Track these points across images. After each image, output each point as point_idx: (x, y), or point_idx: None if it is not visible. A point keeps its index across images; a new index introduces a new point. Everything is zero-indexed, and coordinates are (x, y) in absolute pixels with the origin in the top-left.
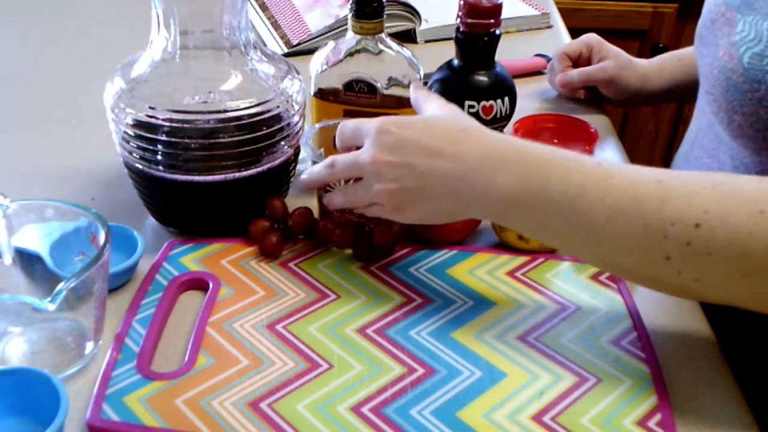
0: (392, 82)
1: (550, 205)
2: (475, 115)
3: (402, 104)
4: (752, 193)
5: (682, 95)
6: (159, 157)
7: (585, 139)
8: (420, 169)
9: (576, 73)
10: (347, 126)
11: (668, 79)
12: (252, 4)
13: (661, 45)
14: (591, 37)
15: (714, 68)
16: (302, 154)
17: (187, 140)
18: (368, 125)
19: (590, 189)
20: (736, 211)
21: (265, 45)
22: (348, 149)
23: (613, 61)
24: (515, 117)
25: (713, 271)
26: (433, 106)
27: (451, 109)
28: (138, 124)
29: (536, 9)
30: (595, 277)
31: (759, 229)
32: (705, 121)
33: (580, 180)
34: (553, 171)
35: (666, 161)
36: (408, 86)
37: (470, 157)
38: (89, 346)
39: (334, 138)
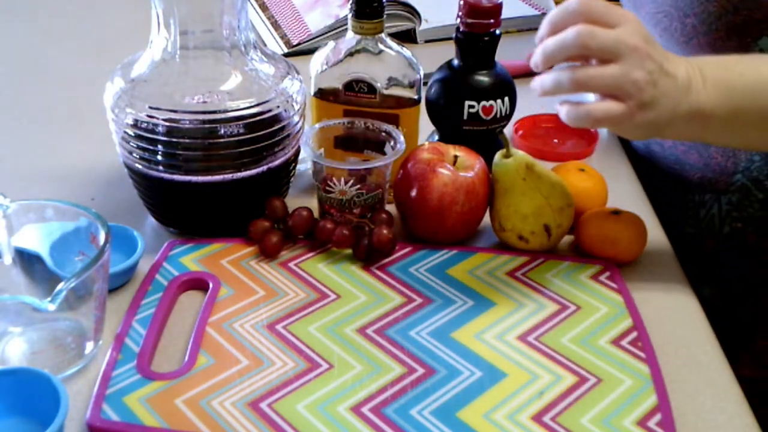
0: (392, 82)
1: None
2: (475, 115)
3: (402, 104)
4: None
5: None
6: (159, 157)
7: (585, 139)
8: (663, 68)
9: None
10: (604, 34)
11: None
12: (252, 4)
13: None
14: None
15: None
16: (302, 154)
17: (187, 140)
18: (620, 10)
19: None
20: None
21: (265, 45)
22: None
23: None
24: (515, 117)
25: None
26: None
27: None
28: (138, 124)
29: (536, 9)
30: (595, 277)
31: None
32: None
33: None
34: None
35: None
36: (408, 86)
37: (680, 71)
38: (89, 346)
39: (335, 138)
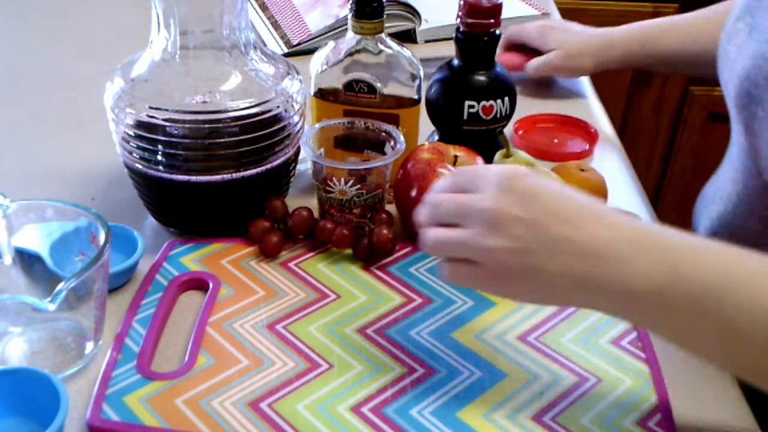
0: (392, 82)
1: (690, 298)
2: (475, 115)
3: (402, 104)
4: None
5: (643, 68)
6: (159, 157)
7: (585, 139)
8: (547, 232)
9: (533, 65)
10: (466, 171)
11: (621, 55)
12: (252, 4)
13: None
14: (544, 26)
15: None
16: (302, 154)
17: (187, 140)
18: (492, 169)
19: (741, 272)
20: None
21: (265, 45)
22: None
23: (559, 52)
24: (515, 117)
25: None
26: None
27: None
28: (138, 124)
29: (536, 9)
30: None
31: None
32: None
33: (727, 263)
34: (696, 255)
35: (666, 161)
36: (408, 86)
37: (604, 234)
38: (89, 346)
39: (335, 138)
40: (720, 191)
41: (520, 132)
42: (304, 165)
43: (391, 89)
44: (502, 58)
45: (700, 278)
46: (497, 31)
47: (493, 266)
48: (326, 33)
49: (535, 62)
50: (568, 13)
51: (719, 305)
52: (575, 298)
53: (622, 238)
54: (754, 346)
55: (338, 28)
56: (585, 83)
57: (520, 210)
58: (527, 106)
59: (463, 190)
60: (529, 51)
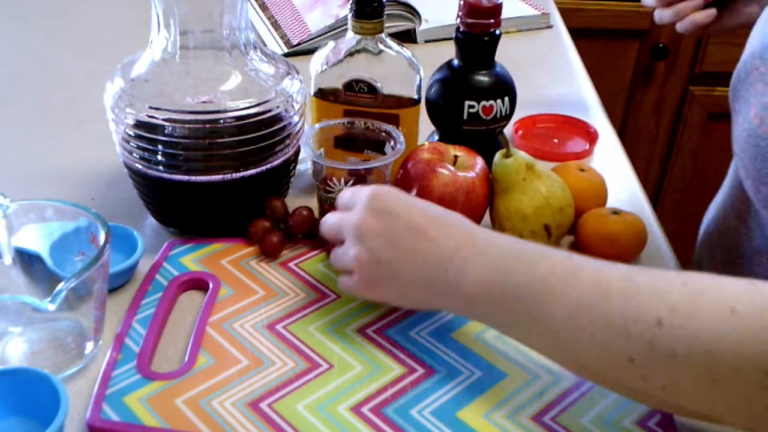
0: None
1: (515, 300)
2: (475, 115)
3: (402, 104)
4: (726, 291)
5: None
6: (159, 157)
7: (585, 139)
8: (399, 244)
9: (688, 22)
10: (345, 192)
11: None
12: (252, 4)
13: (661, 45)
14: None
15: (743, 130)
16: (302, 154)
17: (187, 140)
18: (365, 189)
19: (557, 280)
20: (703, 309)
21: (265, 45)
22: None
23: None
24: (515, 117)
25: (680, 377)
26: None
27: None
28: (138, 124)
29: (536, 9)
30: None
31: (728, 330)
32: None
33: (545, 269)
34: (521, 261)
35: (666, 161)
36: (408, 86)
37: (449, 244)
38: (89, 346)
39: (335, 138)
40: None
41: (520, 132)
42: (304, 165)
43: (391, 89)
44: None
45: (525, 286)
46: (497, 31)
47: (362, 275)
48: (326, 33)
49: (696, 18)
50: (568, 13)
51: (539, 306)
52: (431, 300)
53: (462, 246)
54: (573, 347)
55: (338, 28)
56: (585, 83)
57: (380, 225)
58: (527, 106)
59: (346, 207)
60: None
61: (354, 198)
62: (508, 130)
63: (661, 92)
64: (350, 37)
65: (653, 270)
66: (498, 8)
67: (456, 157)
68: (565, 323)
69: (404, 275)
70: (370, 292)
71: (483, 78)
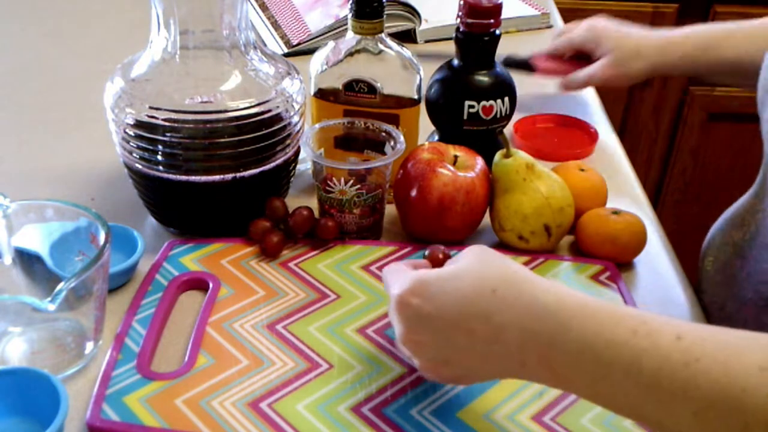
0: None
1: (624, 396)
2: (475, 115)
3: (402, 104)
4: None
5: (702, 76)
6: (159, 157)
7: (585, 139)
8: (449, 345)
9: (580, 77)
10: (386, 272)
11: (680, 59)
12: (252, 4)
13: None
14: (595, 27)
15: None
16: (302, 154)
17: (187, 140)
18: (392, 289)
19: (667, 380)
20: None
21: (265, 45)
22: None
23: (612, 55)
24: (515, 117)
25: None
26: (464, 261)
27: (478, 258)
28: (138, 124)
29: (536, 9)
30: (595, 277)
31: None
32: None
33: (653, 368)
34: (621, 359)
35: (666, 161)
36: (408, 86)
37: (510, 337)
38: (89, 346)
39: (335, 138)
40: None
41: (520, 132)
42: (304, 165)
43: (391, 89)
44: (543, 64)
45: (574, 346)
46: (497, 31)
47: (439, 377)
48: (326, 33)
49: (582, 74)
50: (568, 13)
51: (596, 365)
52: (510, 375)
53: (526, 346)
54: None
55: (338, 28)
56: None
57: (418, 334)
58: (527, 106)
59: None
60: (572, 58)
61: (386, 287)
62: (508, 130)
63: (661, 92)
64: (350, 37)
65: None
66: (498, 8)
67: (456, 157)
68: (692, 418)
69: (474, 372)
70: (452, 382)
71: (483, 78)
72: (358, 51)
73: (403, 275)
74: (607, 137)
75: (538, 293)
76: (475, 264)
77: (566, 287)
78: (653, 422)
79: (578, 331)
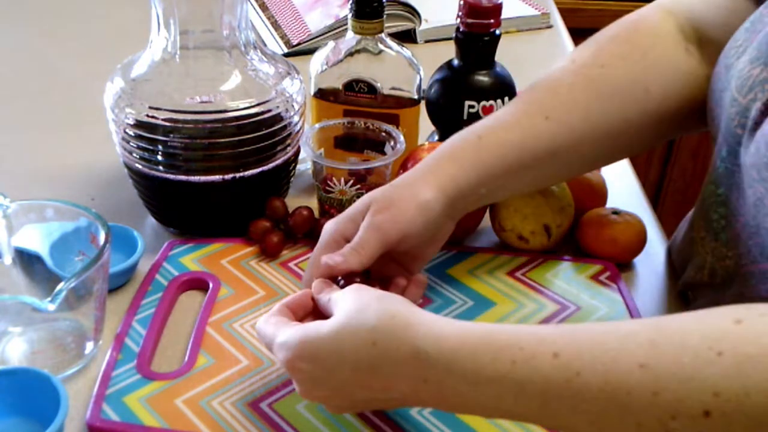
0: (392, 82)
1: (520, 416)
2: (475, 115)
3: (402, 104)
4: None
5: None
6: (159, 157)
7: None
8: (351, 396)
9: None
10: (261, 333)
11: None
12: (252, 4)
13: None
14: (333, 228)
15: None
16: (302, 154)
17: (187, 140)
18: (277, 353)
19: (554, 400)
20: (753, 386)
21: (265, 45)
22: None
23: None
24: None
25: None
26: (338, 311)
27: (355, 306)
28: (138, 124)
29: (536, 9)
30: (595, 277)
31: None
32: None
33: (538, 393)
34: (506, 391)
35: (665, 161)
36: (408, 86)
37: (402, 386)
38: (89, 346)
39: (335, 138)
40: None
41: None
42: (304, 165)
43: (391, 89)
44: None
45: (461, 387)
46: (497, 31)
47: (332, 409)
48: (326, 33)
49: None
50: (568, 13)
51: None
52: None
53: (418, 389)
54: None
55: (338, 28)
56: None
57: (318, 391)
58: None
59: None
60: None
61: (269, 348)
62: None
63: None
64: (350, 37)
65: (672, 332)
66: (498, 8)
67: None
68: (588, 427)
69: (387, 407)
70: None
71: (483, 78)
72: (358, 51)
73: (284, 333)
74: None
75: (418, 341)
76: (352, 314)
77: (446, 321)
78: (557, 428)
79: (461, 373)
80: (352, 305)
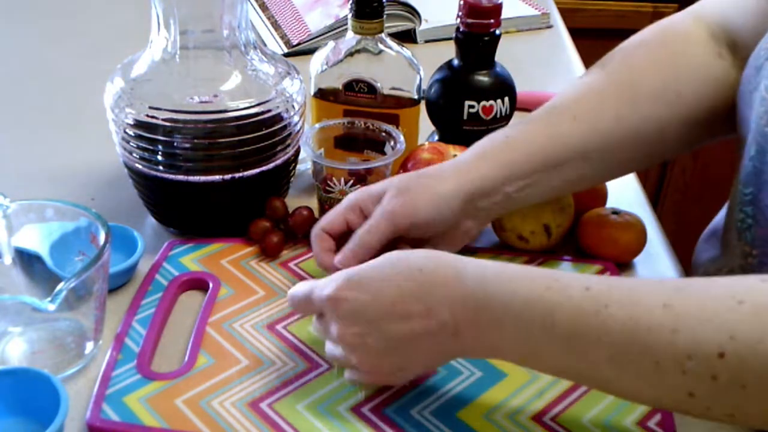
0: (392, 82)
1: (545, 352)
2: (475, 115)
3: (402, 104)
4: None
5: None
6: (159, 157)
7: None
8: (389, 333)
9: (349, 252)
10: (297, 295)
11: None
12: (252, 4)
13: None
14: (354, 198)
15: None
16: (302, 154)
17: (187, 140)
18: (319, 293)
19: (581, 328)
20: None
21: (265, 45)
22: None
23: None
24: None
25: (750, 404)
26: (385, 255)
27: (397, 252)
28: (138, 124)
29: (536, 9)
30: None
31: None
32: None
33: (567, 320)
34: (537, 315)
35: (665, 161)
36: (408, 85)
37: (441, 309)
38: (89, 346)
39: (335, 138)
40: None
41: None
42: (304, 165)
43: (391, 89)
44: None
45: (497, 308)
46: (497, 31)
47: (371, 376)
48: (326, 33)
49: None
50: (568, 13)
51: (573, 355)
52: (445, 361)
53: (456, 312)
54: (622, 387)
55: (338, 28)
56: None
57: (355, 326)
58: None
59: (308, 311)
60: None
61: (309, 305)
62: None
63: None
64: (350, 37)
65: (697, 285)
66: (498, 8)
67: (456, 157)
68: (608, 371)
69: (409, 352)
70: (387, 381)
71: (483, 78)
72: (358, 51)
73: (323, 281)
74: None
75: (460, 266)
76: (395, 253)
77: (491, 261)
78: (574, 375)
79: (499, 294)
80: (394, 252)
